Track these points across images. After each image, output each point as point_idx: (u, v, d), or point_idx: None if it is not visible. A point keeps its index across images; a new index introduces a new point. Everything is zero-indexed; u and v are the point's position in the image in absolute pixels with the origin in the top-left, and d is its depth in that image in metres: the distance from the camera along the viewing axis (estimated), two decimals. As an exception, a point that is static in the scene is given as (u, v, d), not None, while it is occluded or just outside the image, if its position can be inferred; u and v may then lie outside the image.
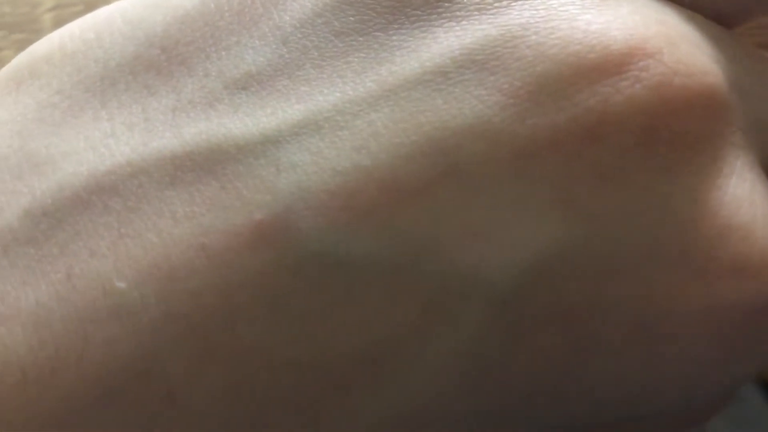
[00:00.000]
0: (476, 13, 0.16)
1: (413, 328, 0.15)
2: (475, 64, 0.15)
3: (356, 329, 0.15)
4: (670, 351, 0.16)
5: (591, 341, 0.15)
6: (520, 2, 0.16)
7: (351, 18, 0.16)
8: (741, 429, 0.21)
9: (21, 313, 0.15)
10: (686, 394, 0.17)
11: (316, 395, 0.15)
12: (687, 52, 0.16)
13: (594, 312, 0.15)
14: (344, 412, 0.15)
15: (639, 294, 0.15)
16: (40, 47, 0.18)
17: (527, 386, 0.16)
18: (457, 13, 0.16)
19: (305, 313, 0.15)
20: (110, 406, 0.15)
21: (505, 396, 0.16)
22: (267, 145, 0.15)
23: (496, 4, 0.16)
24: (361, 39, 0.16)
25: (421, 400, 0.15)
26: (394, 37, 0.16)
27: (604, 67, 0.15)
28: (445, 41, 0.16)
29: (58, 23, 0.28)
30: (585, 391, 0.16)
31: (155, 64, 0.17)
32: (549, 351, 0.15)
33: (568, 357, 0.15)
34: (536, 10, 0.16)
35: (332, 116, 0.16)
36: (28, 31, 0.30)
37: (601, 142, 0.15)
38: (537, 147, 0.15)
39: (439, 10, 0.16)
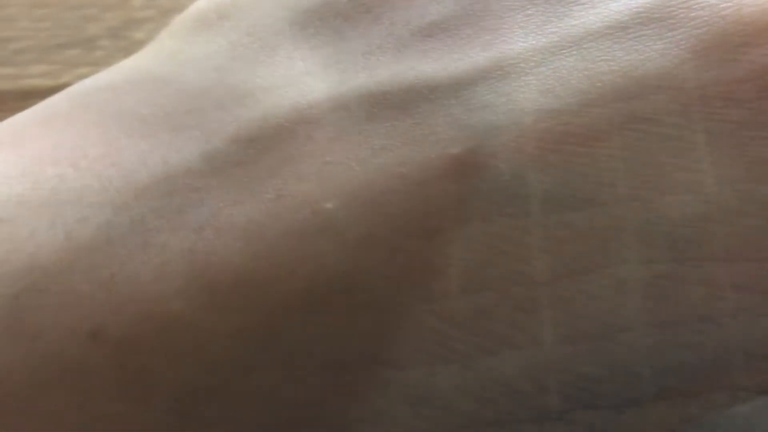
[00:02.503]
0: None
1: (590, 262, 0.16)
2: (653, 21, 0.17)
3: (538, 256, 0.16)
4: None
5: None
6: None
7: None
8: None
9: (234, 227, 0.16)
10: None
11: (505, 315, 0.16)
12: None
13: None
14: (529, 334, 0.16)
15: None
16: None
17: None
18: None
19: (495, 238, 0.16)
20: (317, 316, 0.16)
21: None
22: (457, 86, 0.17)
23: None
24: None
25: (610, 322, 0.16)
26: None
27: None
28: None
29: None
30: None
31: (342, 11, 0.18)
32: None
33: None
34: None
35: (517, 63, 0.17)
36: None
37: None
38: (715, 99, 0.16)
39: None
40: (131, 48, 0.31)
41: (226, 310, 0.16)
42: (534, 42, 0.17)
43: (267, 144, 0.17)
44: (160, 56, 0.19)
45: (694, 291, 0.16)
